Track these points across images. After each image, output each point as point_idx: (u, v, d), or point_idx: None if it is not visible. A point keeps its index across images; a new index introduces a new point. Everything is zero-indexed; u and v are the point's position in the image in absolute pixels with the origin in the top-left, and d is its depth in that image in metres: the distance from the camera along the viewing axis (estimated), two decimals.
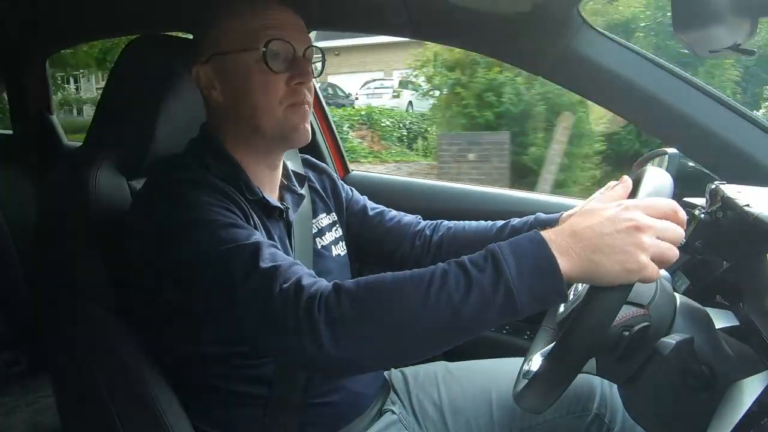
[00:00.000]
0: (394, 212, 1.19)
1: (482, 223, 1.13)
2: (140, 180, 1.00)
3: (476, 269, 0.68)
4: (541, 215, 1.08)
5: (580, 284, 0.88)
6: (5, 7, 1.52)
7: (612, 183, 0.98)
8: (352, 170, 1.80)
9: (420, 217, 1.20)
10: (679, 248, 0.70)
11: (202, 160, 0.91)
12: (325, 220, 1.09)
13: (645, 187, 0.77)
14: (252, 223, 0.88)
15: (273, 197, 0.98)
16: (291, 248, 0.98)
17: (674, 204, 0.69)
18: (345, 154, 1.81)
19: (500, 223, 1.11)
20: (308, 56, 0.93)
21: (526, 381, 0.77)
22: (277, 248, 0.81)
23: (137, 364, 0.90)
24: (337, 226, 1.12)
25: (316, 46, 0.95)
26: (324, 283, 0.72)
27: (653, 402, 0.80)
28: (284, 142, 0.94)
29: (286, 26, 0.90)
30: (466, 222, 1.15)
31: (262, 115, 0.90)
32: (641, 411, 0.84)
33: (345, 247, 1.11)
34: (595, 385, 1.06)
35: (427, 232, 1.15)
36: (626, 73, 0.99)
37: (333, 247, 1.08)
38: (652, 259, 0.65)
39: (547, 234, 0.68)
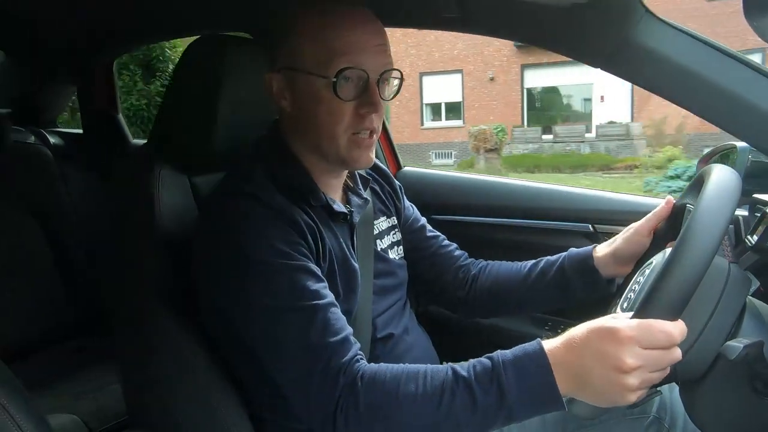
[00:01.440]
0: (447, 241, 1.22)
1: (516, 265, 1.15)
2: (202, 176, 1.03)
3: (482, 391, 0.74)
4: (573, 251, 1.09)
5: (642, 275, 0.85)
6: (75, 12, 1.60)
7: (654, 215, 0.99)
8: (404, 167, 1.80)
9: (467, 254, 1.22)
10: (750, 248, 0.67)
11: (269, 165, 0.92)
12: (384, 223, 1.10)
13: (710, 186, 0.74)
14: (318, 237, 0.89)
15: (337, 200, 0.99)
16: (354, 250, 0.99)
17: (668, 331, 0.68)
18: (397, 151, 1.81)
19: (530, 264, 1.13)
20: (385, 78, 0.90)
21: None
22: (336, 307, 0.85)
23: (197, 355, 0.93)
24: (396, 230, 1.13)
25: (397, 69, 0.92)
26: (350, 378, 0.79)
27: (718, 407, 0.77)
28: (344, 166, 0.95)
29: (363, 49, 0.87)
30: (501, 263, 1.17)
31: (325, 138, 0.90)
32: (705, 416, 0.80)
33: (402, 251, 1.12)
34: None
35: (471, 267, 1.18)
36: (693, 63, 0.94)
37: (390, 250, 1.09)
38: (643, 387, 0.70)
39: (550, 355, 0.73)
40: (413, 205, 1.22)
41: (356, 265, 0.97)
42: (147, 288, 0.95)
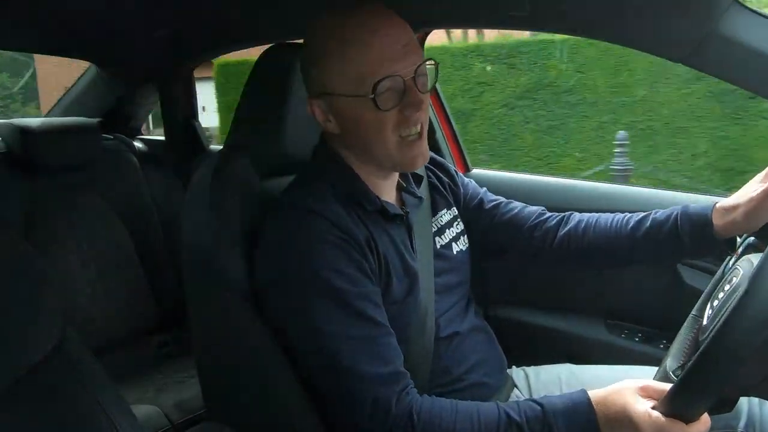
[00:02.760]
0: (514, 203, 1.16)
1: (617, 217, 1.06)
2: (273, 179, 1.07)
3: None
4: (691, 206, 0.98)
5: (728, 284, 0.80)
6: (160, 26, 1.69)
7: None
8: (473, 168, 1.78)
9: (545, 209, 1.15)
10: None
11: (327, 174, 0.95)
12: (445, 216, 1.09)
13: None
14: (374, 245, 0.91)
15: (392, 201, 0.99)
16: (413, 250, 0.99)
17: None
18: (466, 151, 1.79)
19: (638, 216, 1.03)
20: (420, 73, 0.89)
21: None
22: (391, 336, 0.88)
23: (272, 352, 0.95)
24: (459, 220, 1.11)
25: (430, 59, 0.92)
26: (404, 414, 0.83)
27: None
28: (401, 170, 0.96)
29: (391, 57, 0.86)
30: (600, 215, 1.08)
31: (376, 148, 0.91)
32: None
33: (467, 241, 1.10)
34: (742, 402, 0.96)
35: (551, 224, 1.11)
36: None
37: (454, 243, 1.07)
38: None
39: (599, 416, 0.80)
40: (471, 181, 1.19)
41: (416, 266, 0.97)
42: (224, 286, 0.99)
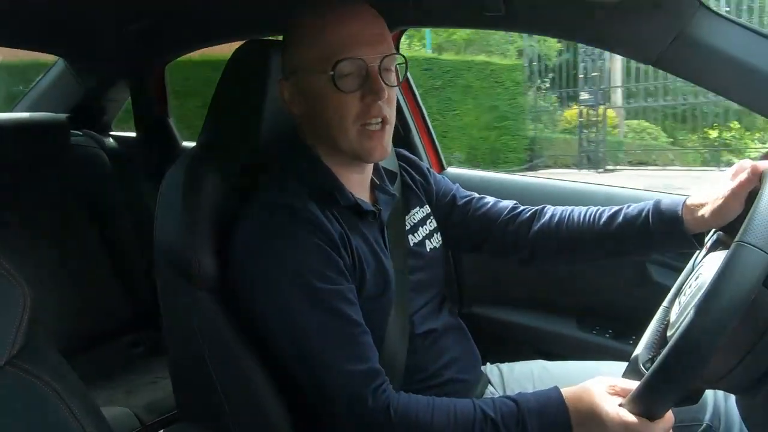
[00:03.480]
0: (487, 199, 1.16)
1: (590, 210, 1.07)
2: (248, 176, 1.06)
3: None
4: (662, 201, 1.00)
5: (688, 288, 0.82)
6: (130, 19, 1.66)
7: (736, 167, 0.90)
8: (448, 168, 1.79)
9: (518, 203, 1.15)
10: None
11: (299, 170, 0.95)
12: (419, 213, 1.09)
13: (763, 198, 0.71)
14: (347, 242, 0.91)
15: (365, 198, 0.99)
16: (386, 248, 0.99)
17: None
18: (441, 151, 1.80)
19: (611, 210, 1.04)
20: (386, 66, 0.91)
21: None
22: (367, 334, 0.89)
23: (244, 348, 0.95)
24: (432, 218, 1.11)
25: (398, 54, 0.93)
26: (381, 407, 0.84)
27: None
28: (359, 159, 0.95)
29: (358, 40, 0.88)
30: (573, 208, 1.09)
31: (336, 134, 0.91)
32: (763, 426, 0.77)
33: (440, 239, 1.11)
34: (708, 394, 0.98)
35: (525, 218, 1.11)
36: (751, 58, 0.90)
37: (427, 241, 1.08)
38: None
39: (570, 410, 0.82)
40: (444, 177, 1.19)
41: (389, 263, 0.97)
42: (197, 285, 0.98)
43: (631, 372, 0.84)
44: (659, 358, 0.70)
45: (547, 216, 1.10)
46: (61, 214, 1.80)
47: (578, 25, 1.07)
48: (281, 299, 0.87)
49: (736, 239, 0.68)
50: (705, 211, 0.93)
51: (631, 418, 0.76)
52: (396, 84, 0.94)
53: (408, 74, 1.34)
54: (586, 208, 1.08)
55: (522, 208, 1.14)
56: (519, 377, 1.12)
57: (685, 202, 0.97)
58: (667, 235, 0.98)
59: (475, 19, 1.26)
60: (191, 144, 2.15)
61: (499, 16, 1.11)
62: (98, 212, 1.88)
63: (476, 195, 1.17)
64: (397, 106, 1.66)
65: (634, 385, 0.77)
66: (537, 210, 1.12)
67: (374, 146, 0.92)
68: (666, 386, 0.70)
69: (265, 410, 0.95)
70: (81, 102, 2.10)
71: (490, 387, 1.10)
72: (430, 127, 1.75)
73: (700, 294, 0.73)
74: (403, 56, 0.95)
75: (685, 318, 0.73)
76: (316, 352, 0.85)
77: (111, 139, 2.12)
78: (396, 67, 0.95)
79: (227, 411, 0.98)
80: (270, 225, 0.89)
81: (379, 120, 0.91)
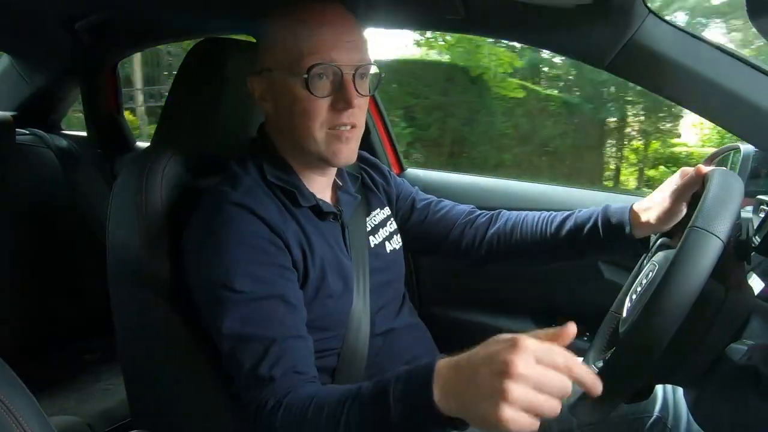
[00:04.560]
0: (445, 202, 1.18)
1: (543, 216, 1.10)
2: (205, 179, 1.04)
3: (372, 407, 0.71)
4: (610, 207, 1.04)
5: (635, 292, 0.85)
6: (80, 14, 1.60)
7: (679, 173, 0.94)
8: (407, 168, 1.80)
9: (475, 207, 1.18)
10: (755, 249, 0.66)
11: (260, 166, 0.94)
12: (379, 215, 1.10)
13: (711, 190, 0.73)
14: (305, 243, 0.91)
15: (327, 199, 0.99)
16: (346, 248, 0.99)
17: (569, 359, 0.61)
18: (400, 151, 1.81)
19: (562, 215, 1.08)
20: (361, 73, 0.91)
21: (580, 391, 0.75)
22: (302, 339, 0.87)
23: (200, 353, 0.93)
24: (392, 220, 1.13)
25: (373, 64, 0.93)
26: (272, 403, 0.81)
27: (722, 408, 0.76)
28: (325, 162, 0.94)
29: (335, 46, 0.88)
30: (527, 213, 1.12)
31: (303, 136, 0.91)
32: (709, 417, 0.80)
33: (400, 240, 1.12)
34: (657, 387, 1.02)
35: (481, 222, 1.14)
36: (697, 65, 0.94)
37: (387, 242, 1.08)
38: (524, 410, 0.59)
39: (441, 367, 0.67)
40: (404, 181, 1.21)
41: (349, 263, 0.97)
42: (150, 289, 0.95)
43: None
44: (612, 351, 0.71)
45: (503, 221, 1.13)
46: (7, 217, 1.73)
47: (533, 30, 1.10)
48: (213, 296, 0.85)
49: (689, 225, 0.71)
50: (650, 215, 0.97)
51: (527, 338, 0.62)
52: (369, 94, 0.94)
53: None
54: (540, 213, 1.11)
55: (479, 212, 1.16)
56: None
57: (631, 206, 1.01)
58: (615, 239, 1.02)
59: (434, 22, 1.27)
60: (145, 144, 2.09)
61: (459, 20, 1.12)
62: (46, 214, 1.81)
63: (434, 198, 1.19)
64: None
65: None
66: (493, 215, 1.15)
67: (341, 149, 0.91)
68: (618, 380, 0.70)
69: (221, 414, 0.94)
70: (28, 99, 2.01)
71: None
72: (390, 127, 1.76)
73: (651, 288, 0.76)
74: (378, 66, 0.95)
75: (636, 315, 0.75)
76: (242, 357, 0.83)
77: (61, 139, 2.04)
78: (369, 75, 0.95)
79: (181, 417, 0.96)
80: (217, 221, 0.87)
81: (348, 126, 0.91)
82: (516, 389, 0.58)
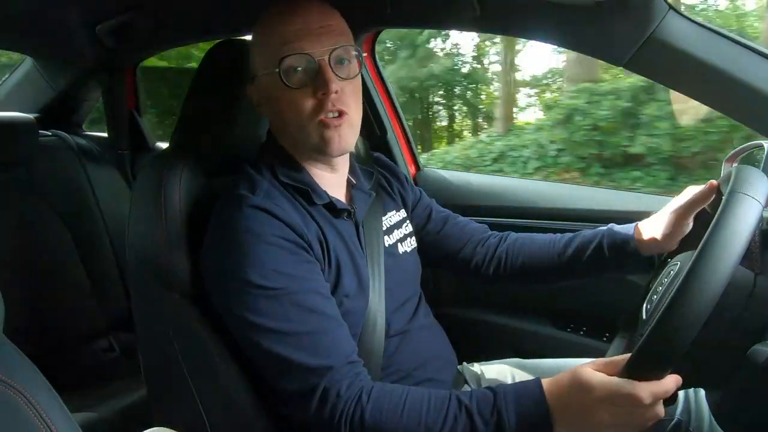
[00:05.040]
0: (461, 218, 1.21)
1: (549, 236, 1.13)
2: (221, 178, 1.05)
3: (482, 422, 0.77)
4: (614, 228, 1.06)
5: (655, 294, 0.84)
6: (102, 17, 1.63)
7: (685, 192, 0.94)
8: (423, 167, 1.80)
9: (488, 227, 1.21)
10: None
11: (272, 168, 0.94)
12: (394, 216, 1.10)
13: (735, 186, 0.72)
14: (323, 240, 0.91)
15: (340, 198, 0.99)
16: (361, 247, 0.99)
17: (636, 397, 0.70)
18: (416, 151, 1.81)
19: (568, 236, 1.10)
20: (337, 58, 0.89)
21: None
22: (342, 327, 0.88)
23: (218, 351, 0.94)
24: (407, 222, 1.12)
25: (350, 45, 0.91)
26: (354, 396, 0.81)
27: (745, 410, 0.75)
28: (321, 154, 0.94)
29: (304, 35, 0.87)
30: (535, 235, 1.15)
31: (296, 131, 0.92)
32: (733, 419, 0.79)
33: (414, 243, 1.12)
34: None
35: (493, 241, 1.17)
36: (720, 61, 0.92)
37: (400, 244, 1.08)
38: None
39: (551, 398, 0.76)
40: (421, 189, 1.22)
41: (364, 262, 0.97)
42: (169, 287, 0.96)
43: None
44: (634, 350, 0.70)
45: (511, 241, 1.16)
46: (31, 217, 1.76)
47: (550, 28, 1.09)
48: (246, 298, 0.85)
49: (729, 191, 0.71)
50: (656, 232, 0.99)
51: (615, 379, 0.71)
52: (351, 76, 0.91)
53: (384, 75, 1.34)
54: (547, 235, 1.14)
55: (491, 233, 1.19)
56: (495, 376, 1.13)
57: (636, 225, 1.03)
58: (620, 257, 1.04)
59: (449, 20, 1.27)
60: (164, 144, 2.12)
61: (474, 18, 1.12)
62: (69, 214, 1.84)
63: (451, 213, 1.21)
64: (373, 108, 1.68)
65: (619, 359, 0.74)
66: (503, 235, 1.18)
67: (332, 136, 0.90)
68: (671, 337, 0.67)
69: (241, 412, 0.94)
70: (50, 101, 2.05)
71: (466, 386, 1.11)
72: (407, 127, 1.76)
73: (671, 292, 0.75)
74: (357, 48, 0.93)
75: (656, 316, 0.74)
76: (285, 351, 0.83)
77: (82, 140, 2.08)
78: (356, 58, 0.92)
79: (202, 414, 0.97)
80: (239, 223, 0.87)
81: (335, 113, 0.90)
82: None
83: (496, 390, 0.80)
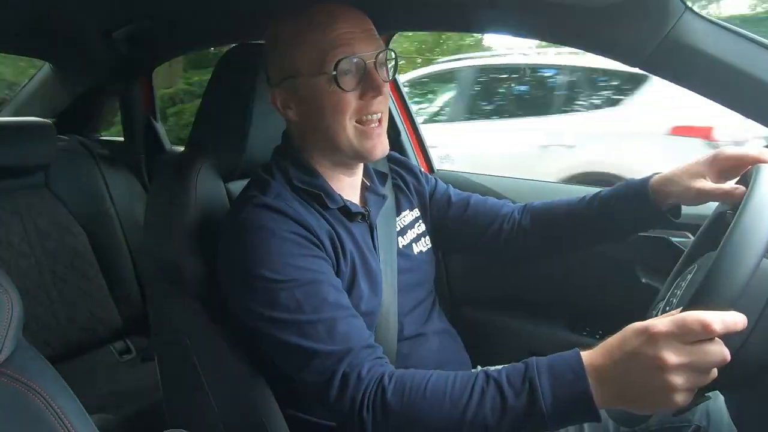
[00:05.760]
0: (479, 197, 1.18)
1: (569, 199, 1.11)
2: (236, 182, 1.05)
3: (512, 393, 0.71)
4: (632, 181, 1.04)
5: (678, 287, 0.82)
6: (119, 24, 1.65)
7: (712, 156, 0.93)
8: (438, 169, 1.79)
9: (508, 200, 1.18)
10: None
11: (285, 172, 0.94)
12: (408, 216, 1.10)
13: (759, 187, 0.71)
14: (337, 241, 0.91)
15: (355, 200, 0.99)
16: (375, 249, 0.99)
17: (705, 322, 0.61)
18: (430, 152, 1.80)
19: (588, 195, 1.08)
20: (381, 61, 0.92)
21: None
22: (357, 318, 0.86)
23: (233, 353, 0.94)
24: (420, 221, 1.12)
25: (390, 49, 0.95)
26: (376, 378, 0.79)
27: (765, 417, 0.74)
28: (359, 159, 0.95)
29: (355, 39, 0.89)
30: (554, 200, 1.13)
31: (335, 133, 0.91)
32: (752, 424, 0.77)
33: (428, 242, 1.11)
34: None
35: (516, 215, 1.15)
36: (737, 61, 0.91)
37: (414, 244, 1.08)
38: (691, 390, 0.63)
39: (588, 360, 0.68)
40: (437, 178, 1.21)
41: (378, 264, 0.97)
42: (184, 290, 0.97)
43: None
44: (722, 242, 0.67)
45: (535, 208, 1.14)
46: (48, 220, 1.78)
47: (565, 28, 1.08)
48: (256, 292, 0.85)
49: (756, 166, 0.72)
50: (674, 185, 0.97)
51: (696, 312, 0.62)
52: (389, 79, 0.95)
53: (396, 75, 1.34)
54: (566, 198, 1.13)
55: (513, 206, 1.17)
56: None
57: (653, 175, 1.01)
58: (640, 202, 1.01)
59: (462, 22, 1.26)
60: (180, 148, 2.14)
61: (488, 19, 1.11)
62: (87, 217, 1.86)
63: (470, 194, 1.19)
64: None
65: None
66: (525, 206, 1.16)
67: (374, 144, 0.92)
68: (718, 281, 0.64)
69: (257, 414, 0.94)
70: (68, 106, 2.08)
71: None
72: (419, 128, 1.75)
73: (701, 274, 0.74)
74: (394, 51, 0.97)
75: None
76: (305, 342, 0.82)
77: (99, 145, 2.10)
78: (387, 63, 0.96)
79: (218, 417, 0.97)
80: (249, 221, 0.88)
81: (378, 116, 0.92)
82: (677, 378, 0.61)
83: (528, 361, 0.73)
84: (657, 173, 1.01)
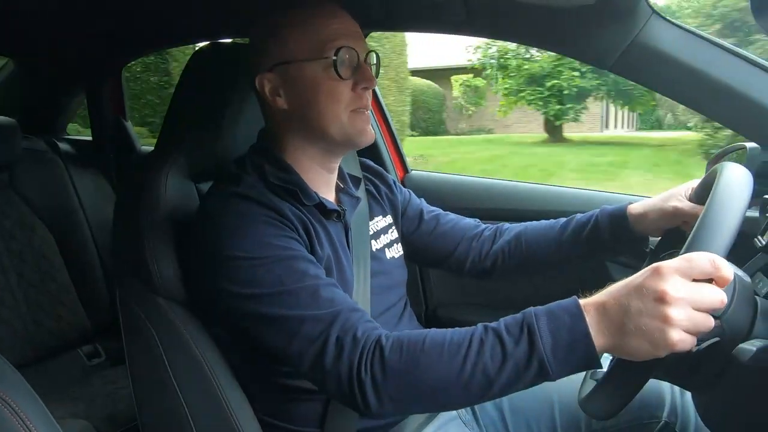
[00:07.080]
0: (451, 215, 1.20)
1: (544, 222, 1.13)
2: (207, 183, 1.04)
3: (512, 341, 0.70)
4: (607, 208, 1.07)
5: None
6: (85, 21, 1.61)
7: (690, 183, 0.96)
8: (411, 170, 1.80)
9: (479, 221, 1.20)
10: (761, 249, 0.66)
11: (260, 169, 0.94)
12: (381, 222, 1.10)
13: (721, 185, 0.73)
14: (312, 231, 0.91)
15: (330, 199, 0.99)
16: (349, 249, 0.99)
17: (714, 259, 0.63)
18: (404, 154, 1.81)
19: (563, 220, 1.11)
20: (370, 61, 0.95)
21: (593, 384, 0.75)
22: (336, 286, 0.85)
23: (207, 356, 0.94)
24: (393, 228, 1.13)
25: (375, 52, 0.97)
26: (372, 339, 0.77)
27: (732, 411, 0.76)
28: (349, 145, 0.96)
29: (351, 34, 0.92)
30: (529, 223, 1.15)
31: (328, 121, 0.92)
32: (719, 420, 0.79)
33: (401, 249, 1.12)
34: (665, 392, 1.02)
35: (487, 235, 1.16)
36: (702, 64, 0.94)
37: (387, 249, 1.09)
38: (688, 331, 0.62)
39: (585, 305, 0.68)
40: (410, 191, 1.22)
41: (350, 264, 0.97)
42: (156, 292, 0.96)
43: (591, 376, 0.83)
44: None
45: (508, 232, 1.16)
46: (13, 221, 1.74)
47: (536, 31, 1.10)
48: (233, 273, 0.83)
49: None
50: (650, 209, 1.01)
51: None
52: (376, 77, 0.98)
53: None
54: (541, 222, 1.15)
55: (484, 226, 1.19)
56: None
57: (629, 203, 1.05)
58: (616, 233, 1.04)
59: (436, 24, 1.27)
60: (149, 148, 2.10)
61: (460, 21, 1.12)
62: (53, 219, 1.81)
63: (441, 211, 1.21)
64: None
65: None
66: (497, 228, 1.18)
67: (365, 128, 0.94)
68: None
69: (228, 415, 0.94)
70: (33, 105, 2.03)
71: None
72: (394, 130, 1.76)
73: None
74: (377, 54, 0.99)
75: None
76: (293, 309, 0.80)
77: (66, 144, 2.05)
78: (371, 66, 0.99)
79: (189, 419, 0.96)
80: (221, 207, 0.88)
81: (369, 109, 0.95)
82: (678, 313, 0.61)
83: (526, 310, 0.73)
84: (631, 202, 1.05)
